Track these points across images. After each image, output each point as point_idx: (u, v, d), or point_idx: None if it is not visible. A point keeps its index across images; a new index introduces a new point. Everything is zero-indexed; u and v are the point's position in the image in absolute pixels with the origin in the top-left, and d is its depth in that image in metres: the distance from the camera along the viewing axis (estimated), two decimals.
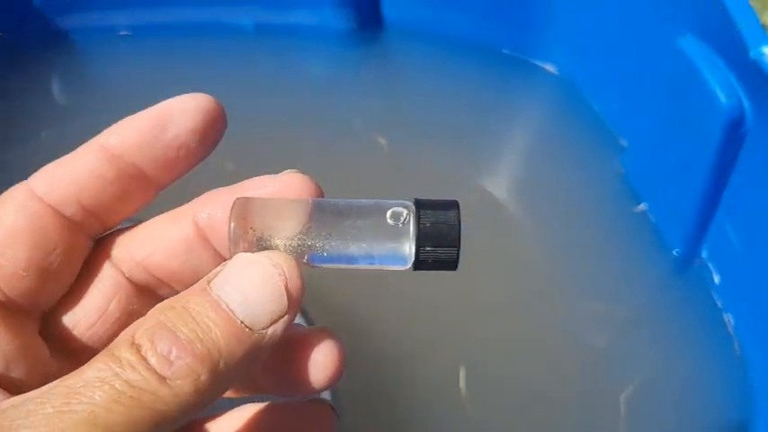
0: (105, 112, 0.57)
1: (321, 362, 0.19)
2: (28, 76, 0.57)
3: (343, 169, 0.52)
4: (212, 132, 0.20)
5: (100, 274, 0.21)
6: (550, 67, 0.57)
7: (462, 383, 0.43)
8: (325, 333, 0.19)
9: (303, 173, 0.20)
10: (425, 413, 0.43)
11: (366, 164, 0.53)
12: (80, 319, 0.21)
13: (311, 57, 0.57)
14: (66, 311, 0.21)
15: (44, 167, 0.20)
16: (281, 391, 0.21)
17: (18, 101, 0.56)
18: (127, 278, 0.21)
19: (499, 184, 0.55)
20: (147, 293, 0.21)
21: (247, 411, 0.22)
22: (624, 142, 0.53)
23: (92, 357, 0.16)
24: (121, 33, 0.56)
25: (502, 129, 0.57)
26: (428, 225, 0.18)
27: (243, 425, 0.21)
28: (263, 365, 0.20)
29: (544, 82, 0.57)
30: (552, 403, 0.43)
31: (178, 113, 0.19)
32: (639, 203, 0.50)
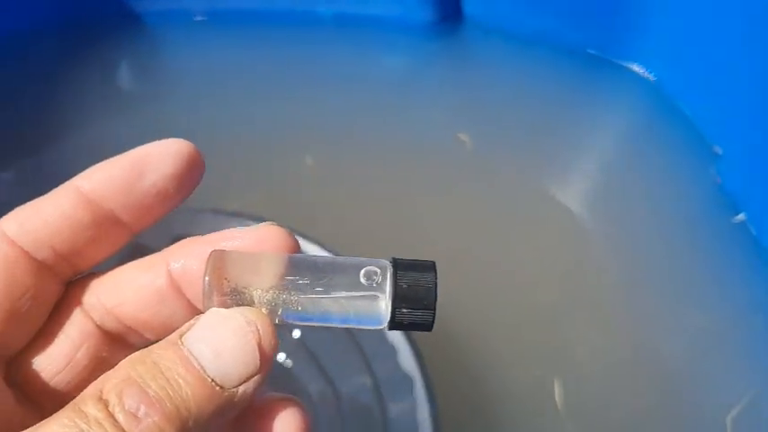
0: (171, 101, 0.56)
1: (289, 426, 0.19)
2: (97, 61, 0.56)
3: (423, 166, 0.49)
4: (190, 178, 0.19)
5: (69, 321, 0.20)
6: (638, 69, 0.55)
7: (558, 397, 0.41)
8: (291, 402, 0.19)
9: (280, 225, 0.19)
10: (522, 427, 0.40)
11: (446, 161, 0.50)
12: (47, 365, 0.20)
13: (389, 48, 0.55)
14: (32, 357, 0.20)
15: (17, 209, 0.19)
16: None
17: (84, 85, 0.55)
18: (97, 325, 0.20)
19: (578, 190, 0.52)
20: (118, 341, 0.21)
21: None
22: (719, 149, 0.50)
23: (58, 405, 0.16)
24: (197, 19, 0.55)
25: (584, 132, 0.55)
26: (405, 287, 0.18)
27: None
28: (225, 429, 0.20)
29: (631, 84, 0.55)
30: (657, 422, 0.40)
31: (156, 159, 0.19)
32: (737, 214, 0.47)
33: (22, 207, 0.19)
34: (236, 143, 0.50)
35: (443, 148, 0.50)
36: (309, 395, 0.43)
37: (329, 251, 0.45)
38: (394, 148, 0.50)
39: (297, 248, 0.19)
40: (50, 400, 0.19)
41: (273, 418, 0.19)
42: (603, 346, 0.45)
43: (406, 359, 0.43)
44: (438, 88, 0.54)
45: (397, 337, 0.44)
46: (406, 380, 0.43)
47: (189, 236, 0.51)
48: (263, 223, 0.19)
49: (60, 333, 0.20)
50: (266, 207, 0.48)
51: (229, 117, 0.51)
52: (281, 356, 0.44)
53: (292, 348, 0.44)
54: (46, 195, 0.19)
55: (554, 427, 0.41)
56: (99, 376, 0.17)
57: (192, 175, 0.19)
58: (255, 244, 0.19)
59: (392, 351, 0.44)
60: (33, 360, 0.20)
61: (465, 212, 0.50)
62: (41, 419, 0.16)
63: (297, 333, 0.44)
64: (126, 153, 0.19)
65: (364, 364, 0.44)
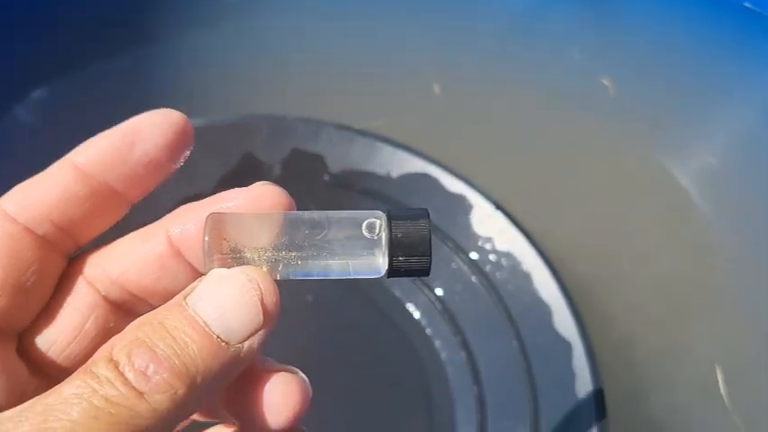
0: (283, 16, 0.55)
1: (281, 401, 0.19)
2: None
3: (560, 106, 0.47)
4: (181, 146, 0.20)
5: (75, 293, 0.21)
6: None
7: (722, 386, 0.39)
8: (290, 371, 0.19)
9: (274, 184, 0.20)
10: (685, 416, 0.39)
11: (587, 103, 0.48)
12: (57, 338, 0.21)
13: None
14: (42, 331, 0.21)
15: (15, 187, 0.20)
16: (241, 424, 0.20)
17: None
18: (103, 296, 0.21)
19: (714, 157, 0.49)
20: (124, 310, 0.21)
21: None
22: None
23: (69, 376, 0.16)
24: None
25: (731, 92, 0.51)
26: (400, 236, 0.19)
27: None
28: (225, 397, 0.20)
29: None
30: None
31: (147, 130, 0.20)
32: None
33: (20, 185, 0.20)
34: (361, 63, 0.50)
35: (583, 90, 0.48)
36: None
37: (456, 175, 0.45)
38: (527, 82, 0.48)
39: (292, 207, 0.20)
40: (63, 372, 0.20)
41: (272, 386, 0.19)
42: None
43: (564, 323, 0.42)
44: (577, 24, 0.51)
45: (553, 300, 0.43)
46: (563, 345, 0.42)
47: (307, 149, 0.51)
48: (258, 183, 0.20)
49: (67, 306, 0.21)
50: (390, 130, 0.47)
51: (359, 37, 0.50)
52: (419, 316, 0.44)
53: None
54: (42, 172, 0.20)
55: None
56: None
57: (181, 143, 0.20)
58: (252, 203, 0.20)
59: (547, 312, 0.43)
60: (43, 333, 0.21)
61: (591, 160, 0.48)
62: None
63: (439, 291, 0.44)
64: (117, 126, 0.20)
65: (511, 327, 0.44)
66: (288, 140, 0.47)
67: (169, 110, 0.20)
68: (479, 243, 0.47)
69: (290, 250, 0.19)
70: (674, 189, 0.48)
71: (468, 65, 0.49)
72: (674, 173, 0.49)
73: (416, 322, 0.46)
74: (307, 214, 0.19)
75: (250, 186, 0.20)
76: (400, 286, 0.46)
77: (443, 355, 0.45)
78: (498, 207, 0.46)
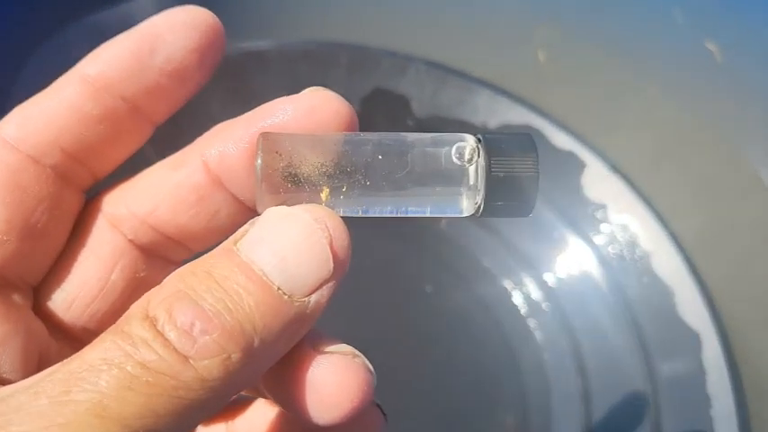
0: None
1: (336, 393, 0.15)
2: None
3: (662, 72, 0.40)
4: (211, 50, 0.17)
5: (96, 238, 0.18)
6: None
7: None
8: (348, 353, 0.16)
9: (329, 90, 0.17)
10: None
11: (691, 71, 0.41)
12: (78, 292, 0.18)
13: None
14: (60, 284, 0.18)
15: (15, 109, 0.17)
16: (284, 409, 0.17)
17: None
18: (130, 240, 0.18)
19: None
20: (158, 257, 0.18)
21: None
22: None
23: (97, 338, 0.14)
24: None
25: None
26: (502, 175, 0.15)
27: (278, 422, 0.19)
28: (269, 381, 0.16)
29: None
30: None
31: (168, 32, 0.16)
32: None
33: (21, 106, 0.17)
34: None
35: (687, 57, 0.40)
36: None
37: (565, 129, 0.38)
38: (625, 45, 0.41)
39: (354, 120, 0.17)
40: (89, 334, 0.18)
41: (326, 372, 0.15)
42: None
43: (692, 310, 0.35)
44: None
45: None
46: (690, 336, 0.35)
47: (390, 87, 0.43)
48: (310, 89, 0.17)
49: (88, 253, 0.18)
50: (488, 71, 0.40)
51: None
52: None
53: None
54: (47, 89, 0.17)
55: None
56: None
57: (212, 46, 0.17)
58: (305, 116, 0.16)
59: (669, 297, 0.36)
60: (62, 287, 0.18)
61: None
62: None
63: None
64: (132, 29, 0.17)
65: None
66: (370, 76, 0.40)
67: (193, 6, 0.17)
68: (590, 210, 0.39)
69: (358, 178, 0.16)
70: None
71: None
72: None
73: (510, 298, 0.39)
74: (377, 135, 0.16)
75: (300, 94, 0.17)
76: (493, 259, 0.40)
77: (540, 337, 0.38)
78: (615, 169, 0.39)
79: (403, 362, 0.36)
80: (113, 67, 0.17)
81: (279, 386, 0.16)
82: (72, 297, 0.18)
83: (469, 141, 0.16)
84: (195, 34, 0.17)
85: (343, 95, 0.44)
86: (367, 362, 0.16)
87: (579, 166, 0.40)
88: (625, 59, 0.44)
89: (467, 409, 0.37)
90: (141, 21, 0.17)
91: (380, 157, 0.16)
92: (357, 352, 0.16)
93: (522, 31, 0.43)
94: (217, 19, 0.17)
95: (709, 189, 0.42)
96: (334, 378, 0.15)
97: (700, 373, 0.35)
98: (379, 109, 0.41)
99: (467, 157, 0.16)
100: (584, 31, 0.43)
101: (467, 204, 0.16)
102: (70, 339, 0.18)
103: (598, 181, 0.39)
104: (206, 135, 0.18)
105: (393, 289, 0.39)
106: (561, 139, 0.40)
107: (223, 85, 0.38)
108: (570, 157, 0.40)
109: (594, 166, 0.39)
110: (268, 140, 0.16)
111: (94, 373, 0.13)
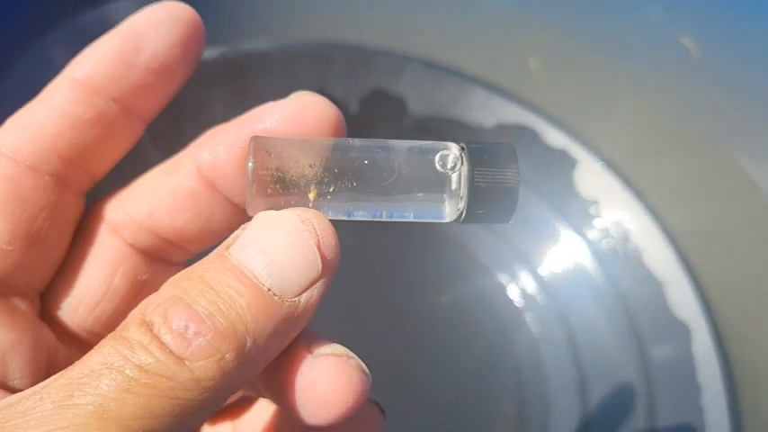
0: None
1: (330, 395, 0.16)
2: None
3: (640, 70, 0.40)
4: (193, 43, 0.17)
5: (98, 243, 0.18)
6: None
7: None
8: (342, 355, 0.16)
9: (316, 94, 0.17)
10: None
11: (681, 69, 0.41)
12: (83, 297, 0.18)
13: None
14: (65, 289, 0.18)
15: (9, 119, 0.17)
16: (281, 408, 0.17)
17: None
18: (130, 245, 0.18)
19: None
20: (158, 261, 0.19)
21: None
22: None
23: (98, 344, 0.14)
24: None
25: None
26: (483, 186, 0.16)
27: (283, 421, 0.19)
28: (266, 381, 0.17)
29: None
30: None
31: (150, 29, 0.17)
32: None
33: (15, 116, 0.17)
34: None
35: (662, 52, 0.41)
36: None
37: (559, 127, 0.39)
38: (598, 45, 0.41)
39: (341, 123, 0.17)
40: (96, 338, 0.18)
41: (320, 374, 0.16)
42: None
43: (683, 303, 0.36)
44: None
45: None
46: (680, 328, 0.36)
47: (387, 87, 0.44)
48: (298, 93, 0.17)
49: (90, 258, 0.18)
50: (484, 71, 0.41)
51: None
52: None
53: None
54: (38, 97, 0.17)
55: None
56: None
57: (193, 39, 0.17)
58: (293, 120, 0.17)
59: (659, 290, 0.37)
60: (67, 292, 0.18)
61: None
62: None
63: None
64: (114, 30, 0.17)
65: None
66: (367, 76, 0.41)
67: (171, 2, 0.17)
68: (584, 206, 0.40)
69: (345, 182, 0.16)
70: None
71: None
72: None
73: (505, 292, 0.40)
74: (365, 141, 0.16)
75: (288, 98, 0.17)
76: (489, 254, 0.41)
77: (535, 330, 0.39)
78: (607, 165, 0.40)
79: (400, 356, 0.37)
80: (101, 70, 0.17)
81: (275, 387, 0.16)
82: (77, 302, 0.18)
83: (453, 150, 0.16)
84: (176, 29, 0.17)
85: (341, 95, 0.45)
86: (361, 363, 0.16)
87: (572, 162, 0.40)
88: (618, 58, 0.44)
89: (465, 401, 0.37)
90: (122, 21, 0.17)
91: (367, 162, 0.16)
92: (351, 353, 0.16)
93: (516, 31, 0.44)
94: (195, 12, 0.17)
95: (700, 185, 0.43)
96: (328, 379, 0.15)
97: (690, 363, 0.36)
98: (376, 108, 0.41)
99: (450, 165, 0.16)
100: (577, 31, 0.43)
101: (449, 210, 0.16)
102: (77, 343, 0.18)
103: (591, 177, 0.40)
104: (199, 140, 0.18)
105: (389, 284, 0.40)
106: (554, 137, 0.41)
107: (223, 86, 0.39)
108: (563, 153, 0.40)
109: (587, 163, 0.40)
110: (258, 144, 0.16)
111: (95, 378, 0.13)
